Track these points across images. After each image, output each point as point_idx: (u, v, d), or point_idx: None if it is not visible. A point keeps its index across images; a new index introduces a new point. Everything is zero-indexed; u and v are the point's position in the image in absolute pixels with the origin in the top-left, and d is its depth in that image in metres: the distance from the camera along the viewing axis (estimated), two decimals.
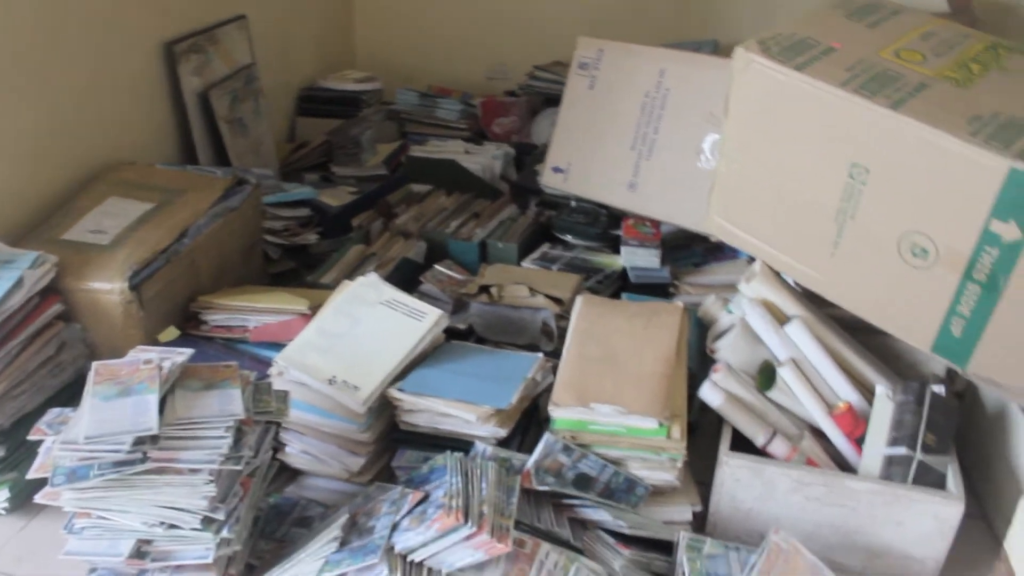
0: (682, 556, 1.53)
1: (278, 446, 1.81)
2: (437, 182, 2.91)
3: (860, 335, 1.90)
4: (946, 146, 1.60)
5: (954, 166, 1.60)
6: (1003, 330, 1.63)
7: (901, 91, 1.70)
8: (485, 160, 3.01)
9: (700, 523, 1.76)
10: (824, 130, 1.76)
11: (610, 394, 1.69)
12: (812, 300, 1.87)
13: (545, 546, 1.49)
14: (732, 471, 1.69)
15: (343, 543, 1.49)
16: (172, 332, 2.00)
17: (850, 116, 1.71)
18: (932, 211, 1.65)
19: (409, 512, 1.50)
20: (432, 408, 1.74)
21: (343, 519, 1.53)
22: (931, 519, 1.65)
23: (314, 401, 1.76)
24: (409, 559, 1.45)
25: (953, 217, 1.62)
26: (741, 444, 1.76)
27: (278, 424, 1.72)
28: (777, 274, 1.90)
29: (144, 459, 1.39)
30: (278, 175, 2.98)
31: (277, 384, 1.70)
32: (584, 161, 2.55)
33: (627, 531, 1.59)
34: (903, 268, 1.69)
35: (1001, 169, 1.54)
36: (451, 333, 2.06)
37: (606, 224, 2.48)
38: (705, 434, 1.88)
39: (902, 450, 1.69)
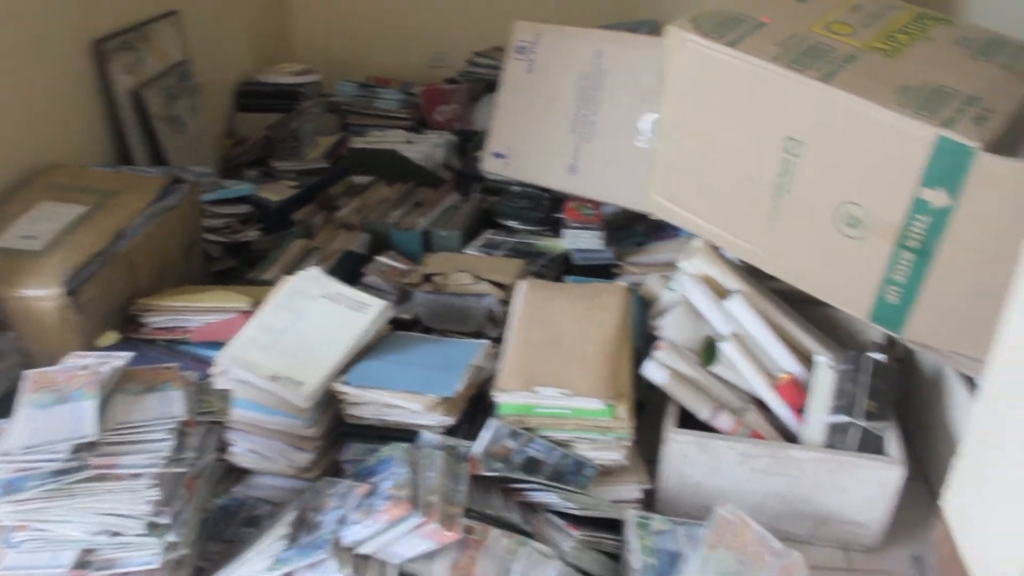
0: (631, 534, 1.55)
1: (224, 446, 1.78)
2: (379, 173, 2.88)
3: (801, 307, 1.93)
4: (876, 117, 1.62)
5: (884, 136, 1.62)
6: (937, 296, 1.66)
7: (831, 64, 1.72)
8: (427, 148, 2.99)
9: (650, 501, 1.77)
10: (758, 105, 1.77)
11: (555, 377, 1.69)
12: (752, 274, 1.89)
13: (494, 532, 1.49)
14: (678, 447, 1.71)
15: (292, 540, 1.48)
16: (111, 336, 1.97)
17: (783, 90, 1.73)
18: (865, 181, 1.67)
19: (358, 505, 1.49)
20: (378, 400, 1.73)
21: (291, 516, 1.52)
22: (874, 484, 1.68)
23: (258, 399, 1.74)
24: (359, 552, 1.44)
25: (885, 187, 1.65)
26: (689, 421, 1.77)
27: (222, 424, 1.70)
28: (717, 250, 1.91)
29: (83, 467, 1.36)
30: (218, 172, 2.93)
31: (220, 383, 1.68)
32: (524, 145, 2.55)
33: (576, 512, 1.59)
34: (839, 239, 1.71)
35: (929, 138, 1.56)
36: (397, 323, 2.05)
37: (548, 208, 2.48)
38: (654, 412, 1.89)
39: (844, 418, 1.72)
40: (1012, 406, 1.49)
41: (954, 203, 1.58)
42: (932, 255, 1.63)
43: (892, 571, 1.71)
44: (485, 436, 1.67)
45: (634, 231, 2.42)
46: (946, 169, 1.57)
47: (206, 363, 1.87)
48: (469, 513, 1.52)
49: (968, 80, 1.70)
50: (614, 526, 1.62)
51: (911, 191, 1.61)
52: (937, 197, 1.59)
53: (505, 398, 1.70)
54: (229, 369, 1.75)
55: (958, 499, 1.63)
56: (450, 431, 1.74)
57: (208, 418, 1.57)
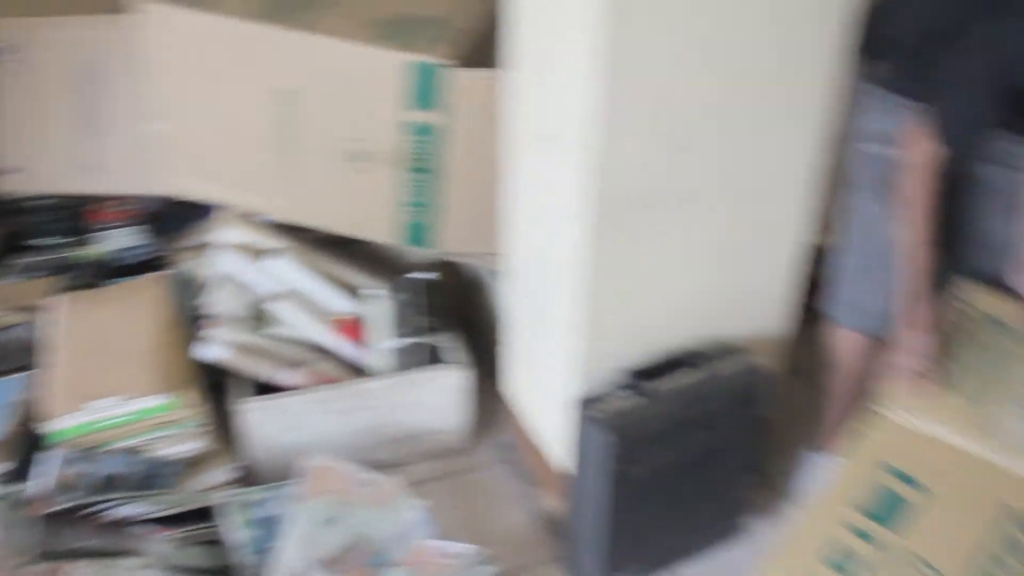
0: (226, 515, 1.53)
1: None
2: None
3: (347, 248, 1.98)
4: (358, 53, 1.70)
5: (365, 71, 1.70)
6: (454, 207, 1.79)
7: (307, 11, 1.76)
8: None
9: (250, 475, 1.76)
10: (244, 63, 1.77)
11: (108, 386, 1.61)
12: (289, 230, 1.91)
13: (75, 566, 1.40)
14: (254, 415, 1.71)
15: None
16: None
17: (266, 45, 1.74)
18: (361, 117, 1.74)
19: None
20: None
21: None
22: (447, 392, 1.81)
23: None
24: None
25: (379, 117, 1.73)
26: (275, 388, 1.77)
27: None
28: (248, 215, 1.90)
29: None
30: None
31: None
32: (36, 155, 2.32)
33: (169, 512, 1.54)
34: (352, 176, 1.78)
35: (404, 63, 1.66)
36: None
37: (79, 215, 2.31)
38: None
39: (408, 340, 1.81)
40: (522, 290, 1.66)
41: (442, 120, 1.70)
42: (439, 172, 1.75)
43: (482, 463, 1.87)
44: (45, 470, 1.55)
45: (175, 217, 2.32)
46: (427, 90, 1.68)
47: None
48: (45, 556, 1.42)
49: (434, 5, 1.82)
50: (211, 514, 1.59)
51: (402, 116, 1.71)
52: (427, 117, 1.70)
53: (57, 424, 1.59)
54: None
55: (509, 381, 1.80)
56: (12, 478, 1.60)
57: None
